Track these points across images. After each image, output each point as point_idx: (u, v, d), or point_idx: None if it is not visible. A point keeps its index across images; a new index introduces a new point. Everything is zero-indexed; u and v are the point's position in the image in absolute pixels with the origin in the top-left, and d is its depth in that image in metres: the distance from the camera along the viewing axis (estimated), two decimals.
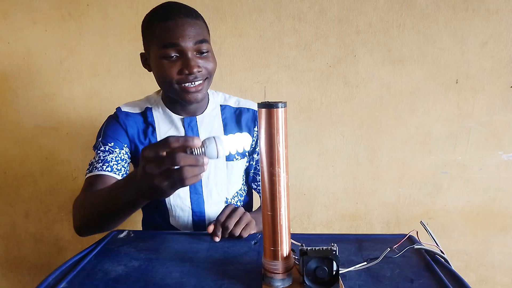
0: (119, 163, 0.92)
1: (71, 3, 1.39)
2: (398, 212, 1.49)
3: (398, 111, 1.41)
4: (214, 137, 0.60)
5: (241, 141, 0.62)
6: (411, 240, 0.78)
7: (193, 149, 0.59)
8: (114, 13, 1.39)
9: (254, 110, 1.04)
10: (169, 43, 0.84)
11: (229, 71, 1.41)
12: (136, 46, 1.38)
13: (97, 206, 0.75)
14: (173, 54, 0.85)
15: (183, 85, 0.88)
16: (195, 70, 0.85)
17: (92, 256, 0.73)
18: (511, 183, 1.44)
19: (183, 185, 0.59)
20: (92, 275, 0.66)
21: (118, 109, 1.00)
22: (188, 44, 0.84)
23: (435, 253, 0.72)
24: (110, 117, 1.00)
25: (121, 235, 0.83)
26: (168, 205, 0.99)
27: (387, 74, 1.39)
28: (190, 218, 1.00)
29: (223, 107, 1.03)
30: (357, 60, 1.38)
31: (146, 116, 0.98)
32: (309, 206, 1.50)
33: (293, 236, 0.83)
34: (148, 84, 1.39)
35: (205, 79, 0.90)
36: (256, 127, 1.02)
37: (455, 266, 0.70)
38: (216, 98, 1.04)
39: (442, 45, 1.36)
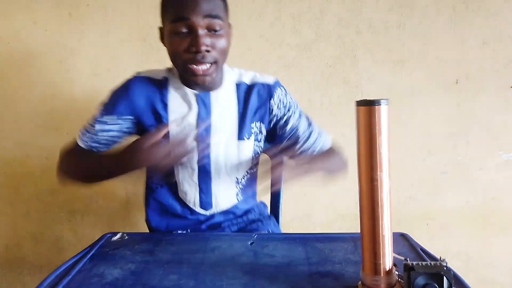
0: (109, 142, 0.96)
1: (71, 3, 1.39)
2: (398, 212, 1.49)
3: (398, 111, 1.41)
4: None
5: None
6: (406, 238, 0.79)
7: None
8: (114, 13, 1.39)
9: (269, 84, 0.99)
10: (179, 16, 0.82)
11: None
12: (137, 46, 1.38)
13: (85, 168, 0.90)
14: (183, 29, 0.82)
15: (190, 65, 0.84)
16: (203, 48, 0.81)
17: (87, 260, 0.72)
18: (511, 183, 1.43)
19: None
20: (88, 279, 0.65)
21: (136, 75, 0.96)
22: (199, 18, 0.81)
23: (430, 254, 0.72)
24: (125, 85, 0.95)
25: (115, 238, 0.82)
26: (176, 179, 0.97)
27: (387, 74, 1.39)
28: (197, 194, 0.98)
29: (238, 85, 0.99)
30: (357, 60, 1.38)
31: (161, 86, 0.95)
32: (309, 206, 1.50)
33: (294, 235, 0.84)
34: None
35: (214, 63, 0.86)
36: (272, 100, 0.99)
37: (455, 266, 0.70)
38: (232, 76, 0.99)
39: (442, 45, 1.36)
